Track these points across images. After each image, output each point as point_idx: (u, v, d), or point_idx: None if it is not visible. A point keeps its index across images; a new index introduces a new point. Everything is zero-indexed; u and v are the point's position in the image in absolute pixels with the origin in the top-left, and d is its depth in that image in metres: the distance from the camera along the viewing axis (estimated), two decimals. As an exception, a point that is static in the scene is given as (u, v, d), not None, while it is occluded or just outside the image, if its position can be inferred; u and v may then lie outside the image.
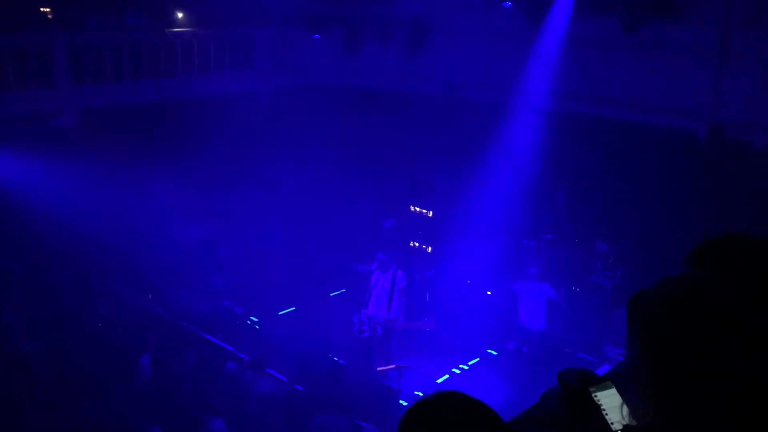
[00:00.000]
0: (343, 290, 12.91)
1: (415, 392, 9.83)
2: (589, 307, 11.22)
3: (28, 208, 11.51)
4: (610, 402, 1.42)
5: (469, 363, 11.09)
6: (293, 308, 12.51)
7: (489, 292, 12.15)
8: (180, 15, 14.58)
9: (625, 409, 1.27)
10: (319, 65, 15.93)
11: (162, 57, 14.43)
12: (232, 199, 13.91)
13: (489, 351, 11.38)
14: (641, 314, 1.20)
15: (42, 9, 13.03)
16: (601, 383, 1.47)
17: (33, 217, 11.47)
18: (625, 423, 1.27)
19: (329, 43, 15.35)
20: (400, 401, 9.24)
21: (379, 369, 9.92)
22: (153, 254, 12.48)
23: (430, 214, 13.90)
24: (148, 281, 12.17)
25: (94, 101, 13.40)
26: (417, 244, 13.67)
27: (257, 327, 12.02)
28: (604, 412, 1.41)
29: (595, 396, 1.43)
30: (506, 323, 11.14)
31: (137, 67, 14.12)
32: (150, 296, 11.96)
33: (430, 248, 13.54)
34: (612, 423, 1.38)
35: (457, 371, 10.91)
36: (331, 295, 12.99)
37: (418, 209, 14.01)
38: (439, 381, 10.55)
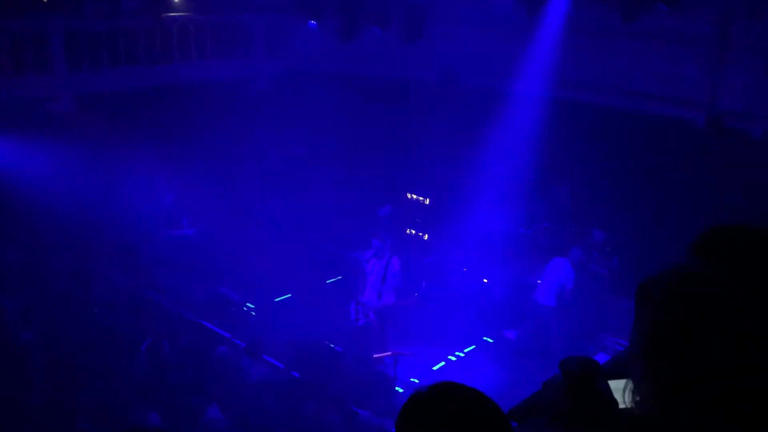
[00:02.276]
0: (340, 277, 12.92)
1: (411, 379, 9.87)
2: (586, 296, 11.25)
3: (24, 194, 11.47)
4: (612, 390, 1.41)
5: (465, 350, 11.13)
6: (289, 295, 12.52)
7: (485, 280, 12.17)
8: (176, 0, 14.47)
9: (628, 397, 1.26)
10: (315, 52, 15.84)
11: (158, 43, 14.33)
12: (227, 185, 13.87)
13: (485, 338, 11.42)
14: (647, 303, 1.19)
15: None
16: (603, 372, 1.46)
17: (29, 203, 11.43)
18: (627, 413, 1.27)
19: (326, 29, 15.26)
20: (396, 388, 9.28)
21: (375, 356, 9.95)
22: (149, 240, 12.46)
23: (427, 201, 13.89)
24: (144, 267, 12.16)
25: (90, 87, 13.31)
26: (414, 232, 13.67)
27: (254, 313, 12.03)
28: (606, 402, 1.40)
29: (598, 385, 1.43)
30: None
31: (134, 52, 14.01)
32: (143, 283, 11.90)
33: (426, 236, 13.54)
34: (614, 412, 1.38)
35: (453, 358, 10.95)
36: (328, 282, 12.99)
37: (414, 197, 14.00)
38: (435, 368, 10.59)
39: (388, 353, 9.73)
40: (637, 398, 1.25)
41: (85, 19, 13.21)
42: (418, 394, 1.43)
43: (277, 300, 12.41)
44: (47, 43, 12.82)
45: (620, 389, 1.32)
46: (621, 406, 1.31)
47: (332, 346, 10.15)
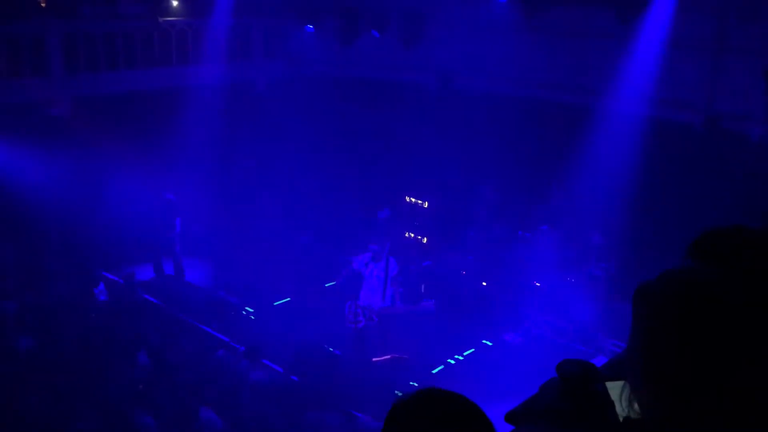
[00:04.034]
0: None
1: (411, 383, 9.85)
2: (584, 298, 11.25)
3: (22, 197, 11.45)
4: (610, 394, 1.41)
5: (465, 353, 11.11)
6: (288, 299, 12.51)
7: (484, 283, 12.16)
8: (174, 4, 14.48)
9: (626, 400, 1.26)
10: (314, 55, 15.86)
11: (156, 46, 14.33)
12: (226, 189, 13.87)
13: (484, 342, 11.40)
14: (645, 307, 1.19)
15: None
16: (601, 375, 1.46)
17: (26, 205, 11.41)
18: (625, 415, 1.26)
19: (324, 33, 15.28)
20: (395, 392, 9.25)
21: (374, 360, 9.94)
22: (147, 243, 12.45)
23: (426, 204, 13.89)
24: (142, 270, 12.15)
25: (87, 90, 13.31)
26: (413, 235, 13.67)
27: (252, 317, 12.01)
28: (604, 404, 1.40)
29: (595, 388, 1.42)
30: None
31: (131, 56, 14.02)
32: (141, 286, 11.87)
33: (425, 239, 13.54)
34: (612, 415, 1.37)
35: (453, 362, 10.93)
36: (326, 285, 12.98)
37: (413, 200, 14.00)
38: (434, 372, 10.57)
39: (388, 357, 9.72)
40: (636, 400, 1.24)
41: (82, 22, 13.21)
42: (400, 402, 1.42)
43: (276, 304, 12.39)
44: (44, 46, 12.82)
45: (618, 391, 1.32)
46: (618, 408, 1.31)
47: (331, 349, 10.13)
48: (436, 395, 1.41)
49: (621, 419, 1.29)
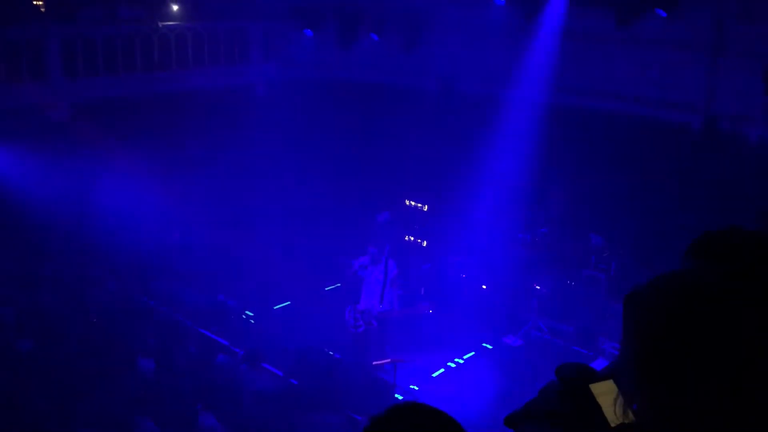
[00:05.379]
0: (338, 284, 12.89)
1: (411, 386, 9.85)
2: (584, 301, 11.25)
3: (21, 201, 11.45)
4: (609, 397, 1.41)
5: (465, 357, 11.10)
6: (288, 302, 12.49)
7: (484, 286, 12.16)
8: (174, 8, 14.50)
9: (622, 405, 1.25)
10: (313, 59, 15.88)
11: (156, 50, 14.35)
12: (225, 193, 13.86)
13: (484, 345, 11.39)
14: (636, 309, 1.19)
15: (34, 1, 12.93)
16: (600, 378, 1.46)
17: (25, 210, 11.41)
18: (622, 419, 1.26)
19: (324, 36, 15.29)
20: (396, 395, 9.25)
21: (374, 363, 9.92)
22: (146, 248, 12.44)
23: (425, 208, 13.88)
24: (142, 275, 12.13)
25: (87, 94, 13.32)
26: (412, 238, 13.67)
27: (252, 321, 11.99)
28: (602, 408, 1.40)
29: (594, 391, 1.42)
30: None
31: (131, 60, 14.04)
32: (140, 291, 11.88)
33: (425, 242, 13.53)
34: (610, 419, 1.37)
35: (453, 365, 10.92)
36: (326, 289, 12.97)
37: (413, 203, 14.00)
38: (434, 375, 10.56)
39: (387, 360, 9.70)
40: (632, 402, 1.24)
41: (81, 27, 13.22)
42: (375, 419, 1.41)
43: (276, 307, 12.38)
44: (44, 50, 12.84)
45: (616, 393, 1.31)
46: (614, 411, 1.31)
47: (331, 353, 10.12)
48: (412, 410, 1.39)
49: (617, 422, 1.29)
